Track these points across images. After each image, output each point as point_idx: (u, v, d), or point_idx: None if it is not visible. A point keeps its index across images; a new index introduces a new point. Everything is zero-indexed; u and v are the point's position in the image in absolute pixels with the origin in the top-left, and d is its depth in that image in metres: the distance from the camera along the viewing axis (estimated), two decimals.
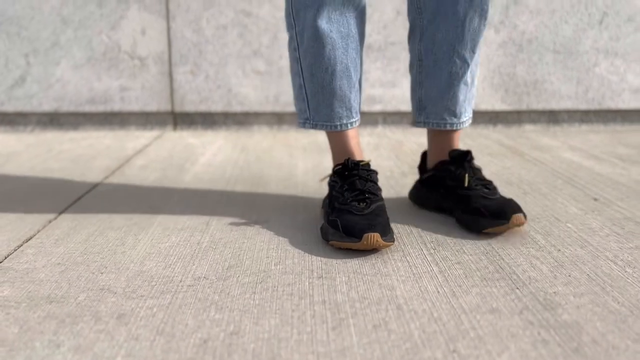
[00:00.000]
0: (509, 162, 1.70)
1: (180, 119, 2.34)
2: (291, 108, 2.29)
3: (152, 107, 2.30)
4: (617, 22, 2.27)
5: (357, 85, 1.15)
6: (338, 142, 1.19)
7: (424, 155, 1.31)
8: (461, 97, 1.18)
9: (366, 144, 2.02)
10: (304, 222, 1.16)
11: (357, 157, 1.17)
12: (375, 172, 1.14)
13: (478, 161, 1.71)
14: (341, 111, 1.14)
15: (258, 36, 2.25)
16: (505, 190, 1.39)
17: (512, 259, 0.96)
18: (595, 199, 1.31)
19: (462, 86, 1.17)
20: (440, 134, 1.23)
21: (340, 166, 1.13)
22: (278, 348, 0.70)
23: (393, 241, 0.99)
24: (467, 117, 1.22)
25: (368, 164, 1.13)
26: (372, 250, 0.99)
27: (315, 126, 1.17)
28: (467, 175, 1.14)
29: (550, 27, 2.27)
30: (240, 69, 2.27)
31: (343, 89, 1.12)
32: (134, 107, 2.30)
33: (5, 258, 0.98)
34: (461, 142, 2.03)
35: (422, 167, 1.30)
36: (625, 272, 0.91)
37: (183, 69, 2.27)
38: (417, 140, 2.09)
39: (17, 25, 2.24)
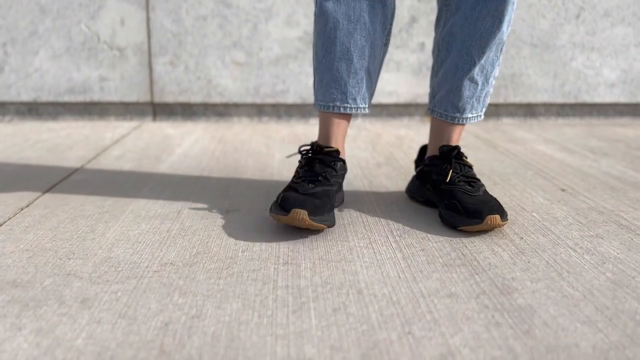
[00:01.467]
0: (482, 154, 1.72)
1: (160, 110, 2.33)
2: (271, 100, 2.30)
3: (132, 97, 2.29)
4: (593, 16, 2.30)
5: (361, 73, 1.13)
6: (323, 124, 1.18)
7: (422, 149, 1.32)
8: (466, 93, 1.17)
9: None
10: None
11: (333, 144, 1.18)
12: (342, 161, 1.16)
13: None
14: (335, 93, 1.14)
15: (238, 27, 2.25)
16: None
17: (475, 246, 0.99)
18: (563, 190, 1.33)
19: (466, 82, 1.16)
20: (441, 126, 1.22)
21: (306, 147, 1.13)
22: (238, 330, 0.71)
23: (326, 225, 1.00)
24: (473, 114, 1.20)
25: (336, 151, 1.15)
26: (315, 231, 1.03)
27: (315, 106, 1.19)
28: (451, 170, 1.15)
29: (527, 21, 2.29)
30: (220, 60, 2.27)
31: (340, 71, 1.12)
32: (114, 97, 2.29)
33: None
34: None
35: (419, 160, 1.31)
36: (584, 258, 0.93)
37: (162, 59, 2.27)
38: (395, 132, 2.11)
39: None
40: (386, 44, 1.19)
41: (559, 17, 2.29)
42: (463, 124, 1.21)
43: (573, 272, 0.88)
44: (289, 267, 0.90)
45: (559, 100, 2.36)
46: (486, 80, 1.18)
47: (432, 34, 2.25)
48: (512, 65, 2.32)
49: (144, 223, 1.10)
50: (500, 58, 1.17)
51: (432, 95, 1.24)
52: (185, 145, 1.85)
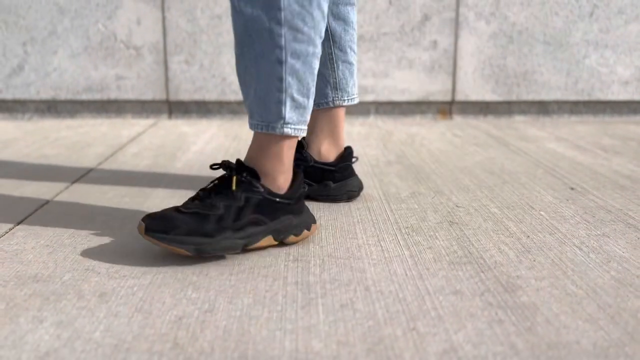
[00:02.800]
0: (493, 152, 1.73)
1: (175, 108, 2.37)
2: None
3: (148, 95, 2.33)
4: (607, 14, 2.29)
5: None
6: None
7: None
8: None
9: (357, 134, 2.05)
10: None
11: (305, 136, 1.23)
12: (300, 147, 1.20)
13: (464, 151, 1.75)
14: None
15: None
16: (486, 179, 1.42)
17: (481, 244, 1.00)
18: (572, 188, 1.34)
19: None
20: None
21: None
22: (248, 325, 0.74)
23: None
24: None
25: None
26: (325, 229, 1.04)
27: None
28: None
29: (540, 19, 2.29)
30: (234, 58, 2.30)
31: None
32: (130, 95, 2.34)
33: None
34: (450, 132, 2.07)
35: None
36: (589, 257, 0.95)
37: (178, 58, 2.30)
38: (407, 130, 2.13)
39: (14, 15, 2.27)
40: None
41: (572, 14, 2.29)
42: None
43: (578, 271, 0.90)
44: (298, 263, 0.92)
45: (572, 97, 2.36)
46: (258, 80, 1.16)
47: (446, 32, 2.26)
48: (524, 63, 2.32)
49: None
50: (278, 53, 1.07)
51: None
52: (201, 143, 1.88)
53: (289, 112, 0.96)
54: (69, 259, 0.94)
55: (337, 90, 1.25)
